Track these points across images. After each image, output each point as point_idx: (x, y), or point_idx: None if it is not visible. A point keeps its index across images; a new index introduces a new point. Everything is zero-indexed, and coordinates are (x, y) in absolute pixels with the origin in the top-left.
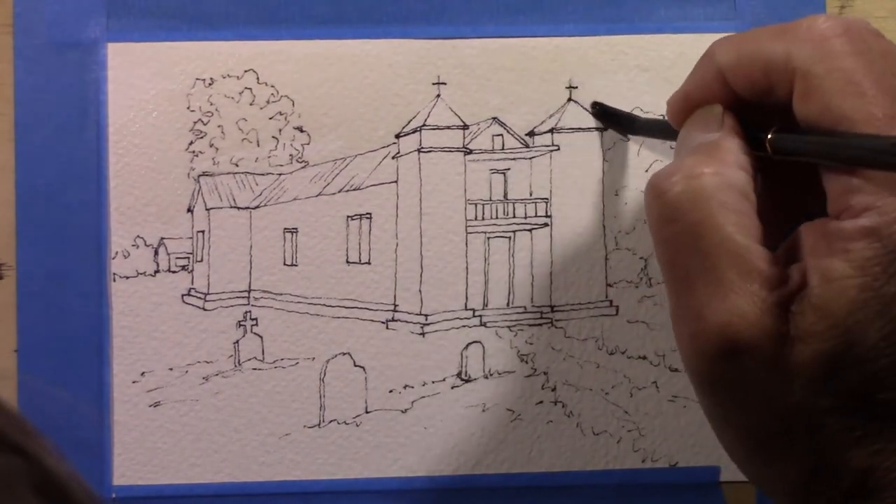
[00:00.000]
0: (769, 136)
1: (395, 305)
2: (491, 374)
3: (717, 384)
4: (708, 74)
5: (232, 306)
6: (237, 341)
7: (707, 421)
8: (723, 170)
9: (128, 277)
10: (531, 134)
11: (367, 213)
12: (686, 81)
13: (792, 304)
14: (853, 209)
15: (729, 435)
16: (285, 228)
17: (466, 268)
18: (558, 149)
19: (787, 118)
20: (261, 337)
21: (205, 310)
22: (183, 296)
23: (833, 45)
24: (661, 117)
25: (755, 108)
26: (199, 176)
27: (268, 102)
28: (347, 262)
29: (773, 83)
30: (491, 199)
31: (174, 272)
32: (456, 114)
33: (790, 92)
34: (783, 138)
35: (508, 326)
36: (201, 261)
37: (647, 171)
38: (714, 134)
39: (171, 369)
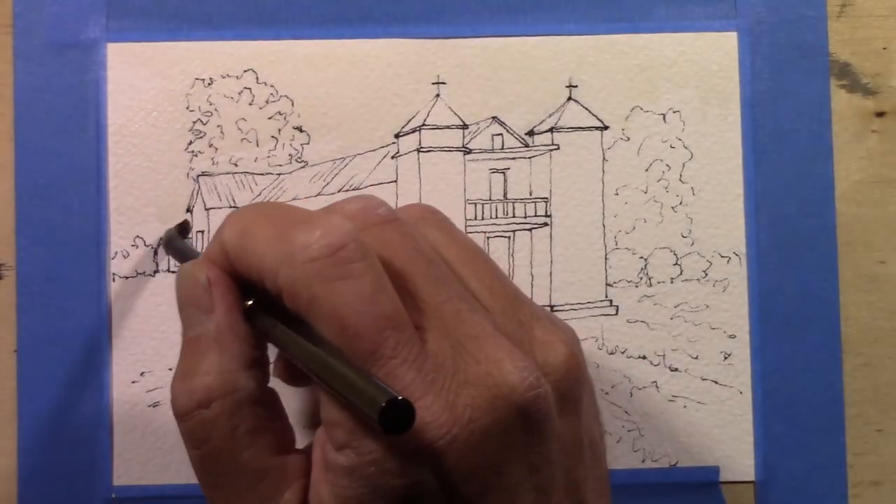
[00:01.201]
0: (247, 304)
1: None
2: None
3: None
4: (218, 247)
5: None
6: None
7: (707, 421)
8: (227, 387)
9: (127, 277)
10: (531, 133)
11: None
12: (210, 244)
13: None
14: (335, 441)
15: None
16: None
17: None
18: (558, 148)
19: None
20: None
21: None
22: None
23: (315, 268)
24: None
25: None
26: (199, 176)
27: (267, 102)
28: None
29: (267, 288)
30: (490, 199)
31: (174, 272)
32: (455, 113)
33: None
34: (258, 315)
35: None
36: None
37: (647, 170)
38: (209, 319)
39: (170, 369)
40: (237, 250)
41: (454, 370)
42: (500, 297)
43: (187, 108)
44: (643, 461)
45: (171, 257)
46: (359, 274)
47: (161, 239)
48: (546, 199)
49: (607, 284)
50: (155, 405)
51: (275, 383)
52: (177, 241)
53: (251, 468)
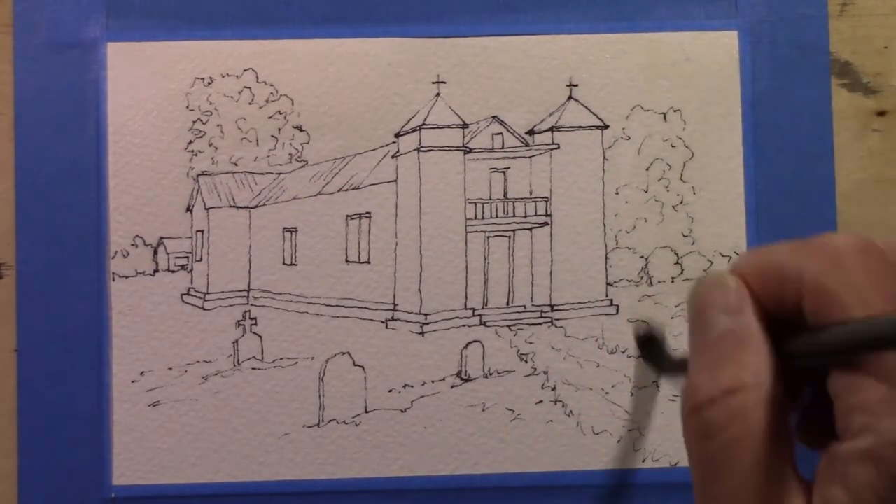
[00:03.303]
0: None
1: (395, 305)
2: (490, 374)
3: None
4: (734, 272)
5: (231, 306)
6: (236, 341)
7: None
8: (756, 379)
9: (127, 277)
10: (531, 132)
11: (367, 213)
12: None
13: None
14: (851, 430)
15: None
16: (285, 228)
17: (466, 267)
18: (558, 147)
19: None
20: (260, 336)
21: (204, 309)
22: (182, 295)
23: (845, 262)
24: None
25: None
26: (199, 175)
27: (267, 101)
28: (347, 261)
29: (785, 296)
30: (491, 199)
31: (173, 272)
32: (455, 112)
33: (800, 305)
34: (792, 342)
35: (508, 326)
36: (200, 260)
37: (647, 169)
38: (737, 318)
39: (170, 369)
40: (759, 270)
41: None
42: None
43: (187, 107)
44: (644, 461)
45: (646, 361)
46: (881, 268)
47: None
48: (546, 199)
49: (608, 284)
50: (155, 405)
51: None
52: (660, 346)
53: (762, 467)
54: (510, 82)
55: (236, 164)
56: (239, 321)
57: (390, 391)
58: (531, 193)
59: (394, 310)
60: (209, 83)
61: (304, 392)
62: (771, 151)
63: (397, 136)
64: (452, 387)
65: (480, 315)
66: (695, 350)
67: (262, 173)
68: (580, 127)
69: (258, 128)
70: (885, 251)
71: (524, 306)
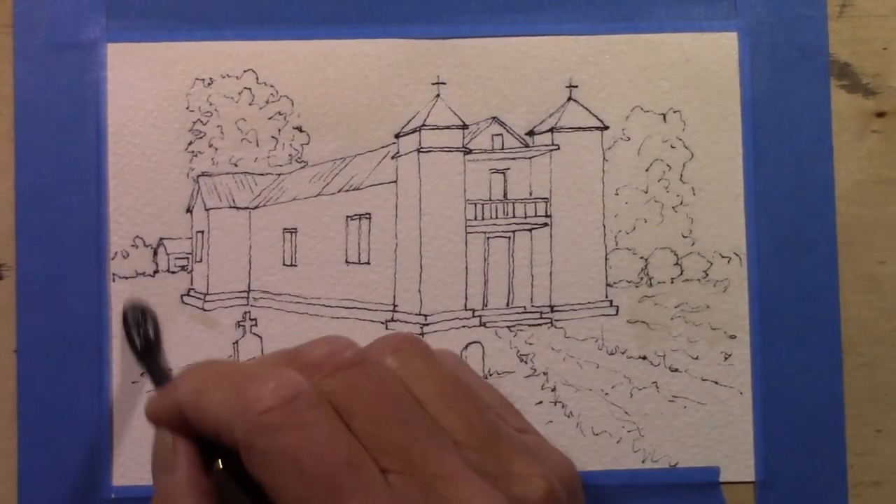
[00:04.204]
0: (214, 466)
1: (395, 306)
2: (490, 375)
3: None
4: (172, 405)
5: (231, 307)
6: (236, 342)
7: (707, 421)
8: None
9: (127, 278)
10: (531, 133)
11: (367, 213)
12: (157, 397)
13: None
14: None
15: None
16: (284, 228)
17: (466, 268)
18: (558, 148)
19: None
20: (260, 337)
21: (204, 310)
22: (182, 296)
23: (271, 419)
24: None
25: None
26: (199, 176)
27: (267, 102)
28: (347, 262)
29: (225, 444)
30: (490, 199)
31: (173, 272)
32: (455, 113)
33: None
34: (223, 477)
35: (508, 326)
36: (201, 261)
37: (647, 170)
38: (171, 477)
39: (170, 370)
40: (193, 407)
41: None
42: (479, 431)
43: (187, 108)
44: (643, 461)
45: (145, 370)
46: (313, 421)
47: (137, 346)
48: (546, 200)
49: (607, 284)
50: None
51: None
52: (155, 358)
53: None
54: (510, 83)
55: (236, 165)
56: (239, 322)
57: None
58: (531, 194)
59: (394, 311)
60: (209, 84)
61: None
62: (771, 152)
63: (397, 136)
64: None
65: (480, 316)
66: None
67: (262, 174)
68: (580, 128)
69: (258, 129)
70: (314, 397)
71: (524, 307)
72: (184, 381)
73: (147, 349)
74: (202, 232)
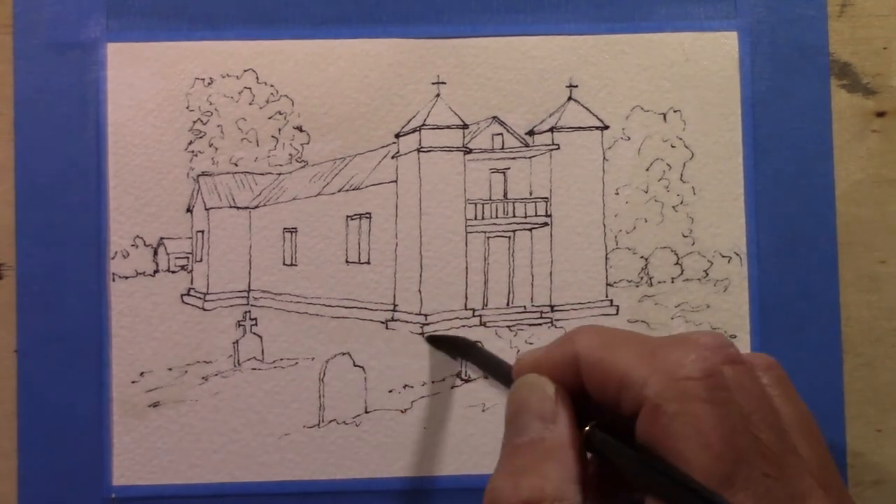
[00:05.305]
0: (586, 429)
1: (395, 305)
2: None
3: None
4: (564, 358)
5: (231, 306)
6: (237, 341)
7: None
8: (557, 494)
9: (127, 277)
10: (531, 133)
11: (367, 213)
12: (542, 351)
13: None
14: None
15: None
16: (285, 228)
17: (466, 267)
18: (558, 148)
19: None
20: (260, 337)
21: (204, 310)
22: (182, 296)
23: (689, 386)
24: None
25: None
26: (199, 176)
27: (267, 102)
28: (347, 261)
29: (622, 399)
30: (491, 199)
31: (174, 272)
32: (455, 113)
33: (636, 412)
34: (601, 438)
35: (508, 326)
36: (201, 261)
37: (647, 169)
38: (548, 427)
39: (170, 369)
40: (597, 359)
41: None
42: (826, 468)
43: (187, 107)
44: None
45: (468, 362)
46: (724, 402)
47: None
48: (546, 199)
49: (608, 284)
50: (155, 405)
51: None
52: (481, 350)
53: None
54: (510, 83)
55: (236, 165)
56: (239, 321)
57: (390, 392)
58: (531, 194)
59: (394, 310)
60: (209, 83)
61: (304, 392)
62: (771, 151)
63: (397, 136)
64: (452, 387)
65: (480, 315)
66: (504, 451)
67: (262, 174)
68: (580, 127)
69: (258, 128)
70: (731, 379)
71: (524, 307)
72: (584, 335)
73: (467, 347)
74: (202, 232)
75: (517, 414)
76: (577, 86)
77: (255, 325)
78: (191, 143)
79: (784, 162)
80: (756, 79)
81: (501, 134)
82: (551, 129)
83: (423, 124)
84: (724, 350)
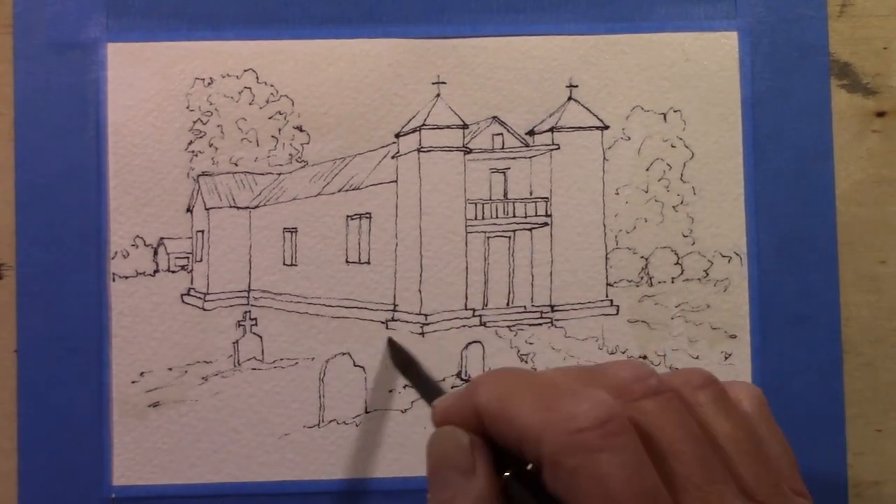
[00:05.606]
0: (504, 475)
1: (395, 305)
2: None
3: None
4: (470, 409)
5: (231, 306)
6: (237, 341)
7: None
8: None
9: (127, 277)
10: (531, 133)
11: (367, 213)
12: (451, 399)
13: None
14: None
15: None
16: (285, 228)
17: (466, 267)
18: (558, 148)
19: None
20: (260, 337)
21: (204, 310)
22: (182, 296)
23: (584, 438)
24: (439, 383)
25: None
26: (199, 176)
27: (267, 102)
28: (347, 261)
29: (525, 453)
30: (491, 199)
31: (174, 272)
32: (456, 113)
33: (541, 466)
34: (516, 490)
35: (508, 326)
36: (201, 261)
37: (647, 169)
38: (469, 480)
39: (170, 369)
40: (496, 413)
41: None
42: (764, 485)
43: (187, 107)
44: None
45: (407, 381)
46: (622, 447)
47: (390, 352)
48: (546, 199)
49: (608, 284)
50: (155, 405)
51: None
52: (418, 368)
53: None
54: (510, 83)
55: (236, 165)
56: (239, 321)
57: (390, 392)
58: (531, 194)
59: (394, 310)
60: (209, 83)
61: (304, 392)
62: (771, 152)
63: (397, 136)
64: (453, 387)
65: (481, 315)
66: None
67: (262, 174)
68: (580, 127)
69: (258, 128)
70: (627, 422)
71: (524, 307)
72: (484, 386)
73: (408, 366)
74: (202, 231)
75: (437, 468)
76: (577, 86)
77: (255, 325)
78: (191, 143)
79: (784, 162)
80: (756, 79)
81: (501, 134)
82: (551, 129)
83: (423, 124)
84: (641, 383)
